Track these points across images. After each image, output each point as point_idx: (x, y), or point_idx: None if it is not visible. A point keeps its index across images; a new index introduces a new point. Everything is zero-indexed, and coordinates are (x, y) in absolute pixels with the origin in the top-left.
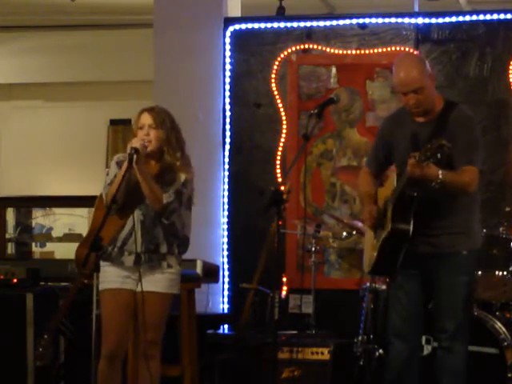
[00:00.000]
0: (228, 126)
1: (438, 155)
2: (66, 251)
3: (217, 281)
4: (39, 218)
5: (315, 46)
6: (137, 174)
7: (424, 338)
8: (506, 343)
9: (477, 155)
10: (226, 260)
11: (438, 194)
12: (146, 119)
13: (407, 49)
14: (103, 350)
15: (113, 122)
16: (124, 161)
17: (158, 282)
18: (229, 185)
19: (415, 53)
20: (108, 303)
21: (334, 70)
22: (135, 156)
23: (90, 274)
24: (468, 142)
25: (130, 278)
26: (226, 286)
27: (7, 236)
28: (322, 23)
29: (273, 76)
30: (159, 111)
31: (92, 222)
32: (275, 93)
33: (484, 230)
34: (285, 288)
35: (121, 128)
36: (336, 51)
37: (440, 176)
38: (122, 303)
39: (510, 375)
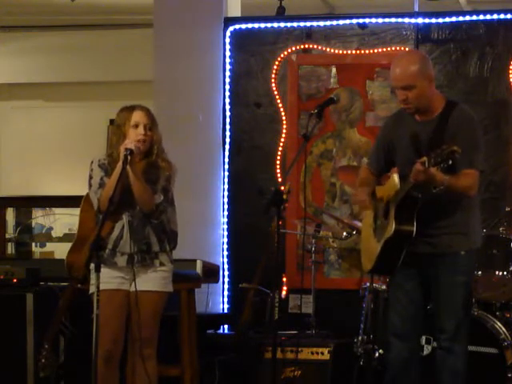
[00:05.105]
0: (228, 126)
1: (450, 161)
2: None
3: (217, 281)
4: (39, 217)
5: (315, 46)
6: (129, 175)
7: (424, 338)
8: (505, 343)
9: (478, 156)
10: (226, 260)
11: (439, 195)
12: (142, 118)
13: (407, 49)
14: (100, 351)
15: (113, 122)
16: (106, 163)
17: (151, 280)
18: (229, 185)
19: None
20: (103, 304)
21: (334, 70)
22: (129, 157)
23: (84, 279)
24: (469, 143)
25: (124, 278)
26: (226, 286)
27: (7, 236)
28: (322, 23)
29: (273, 76)
30: (150, 111)
31: (80, 226)
32: (275, 93)
33: (484, 230)
34: (285, 288)
35: None
36: (336, 51)
37: (444, 182)
38: (117, 304)
39: (510, 375)
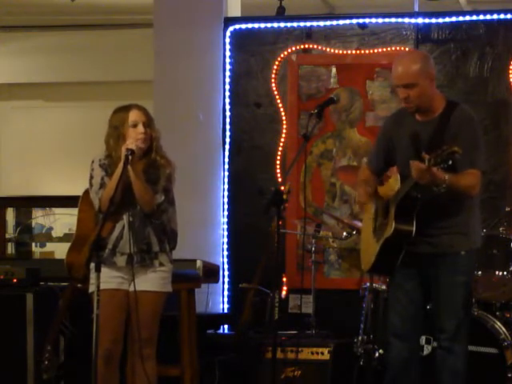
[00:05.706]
0: (228, 126)
1: (450, 162)
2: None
3: (217, 281)
4: (39, 217)
5: (315, 46)
6: (130, 175)
7: (424, 338)
8: (506, 343)
9: (479, 156)
10: (226, 260)
11: (439, 195)
12: (139, 117)
13: (407, 49)
14: (99, 351)
15: None
16: (106, 163)
17: (150, 280)
18: (229, 185)
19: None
20: (102, 304)
21: (334, 70)
22: (130, 157)
23: (84, 279)
24: (470, 143)
25: (123, 278)
26: (226, 286)
27: (7, 236)
28: (322, 23)
29: (273, 76)
30: (145, 108)
31: (78, 225)
32: (275, 93)
33: (484, 230)
34: (285, 288)
35: None
36: (336, 51)
37: (446, 181)
38: (117, 303)
39: (510, 375)
